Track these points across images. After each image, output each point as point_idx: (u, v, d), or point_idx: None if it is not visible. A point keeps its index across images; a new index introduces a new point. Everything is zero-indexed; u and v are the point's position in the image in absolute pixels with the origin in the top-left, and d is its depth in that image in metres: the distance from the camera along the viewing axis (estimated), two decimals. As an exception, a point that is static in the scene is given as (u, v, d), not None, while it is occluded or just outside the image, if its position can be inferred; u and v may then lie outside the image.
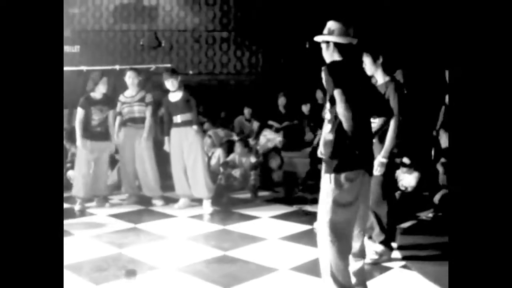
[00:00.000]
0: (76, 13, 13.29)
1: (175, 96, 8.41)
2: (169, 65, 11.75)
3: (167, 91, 8.50)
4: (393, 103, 5.54)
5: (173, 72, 8.59)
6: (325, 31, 4.42)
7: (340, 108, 4.07)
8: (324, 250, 4.27)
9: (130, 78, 8.75)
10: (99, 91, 8.43)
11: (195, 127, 8.27)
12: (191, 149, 8.30)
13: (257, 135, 11.36)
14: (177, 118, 8.36)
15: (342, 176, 4.16)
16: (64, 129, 9.55)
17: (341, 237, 4.22)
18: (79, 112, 8.41)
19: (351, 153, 4.17)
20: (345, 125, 4.08)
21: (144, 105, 8.71)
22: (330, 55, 4.38)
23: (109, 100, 8.61)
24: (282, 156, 10.50)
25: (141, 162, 8.76)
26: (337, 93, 4.09)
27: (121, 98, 8.81)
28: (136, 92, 8.78)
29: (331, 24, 4.39)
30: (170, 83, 8.35)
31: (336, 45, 4.34)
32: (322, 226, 4.27)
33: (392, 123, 5.51)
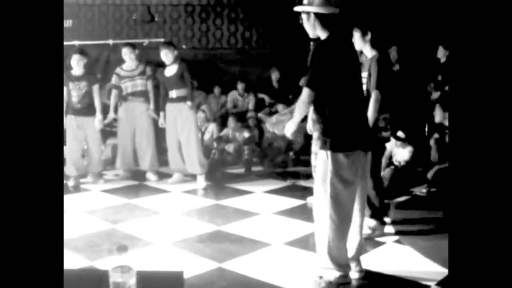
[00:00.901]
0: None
1: (170, 70, 8.29)
2: (162, 40, 11.67)
3: (162, 65, 8.42)
4: (373, 76, 5.58)
5: (169, 44, 8.49)
6: (305, 0, 4.27)
7: (299, 103, 4.22)
8: (322, 227, 4.27)
9: (126, 55, 8.65)
10: (75, 68, 8.32)
11: (189, 103, 8.19)
12: (185, 125, 8.24)
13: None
14: (172, 93, 8.26)
15: (339, 153, 4.17)
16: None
17: (341, 214, 4.22)
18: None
19: (345, 133, 4.18)
20: (295, 112, 4.34)
21: (145, 79, 8.67)
22: (311, 27, 4.26)
23: (90, 76, 8.45)
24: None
25: (142, 135, 8.72)
26: (304, 91, 4.16)
27: (120, 72, 8.70)
28: (136, 66, 8.71)
29: None
30: (164, 55, 8.21)
31: (317, 16, 4.19)
32: (321, 203, 4.26)
33: (373, 96, 5.54)
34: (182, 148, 8.36)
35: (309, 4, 4.23)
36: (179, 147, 8.36)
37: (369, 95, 5.58)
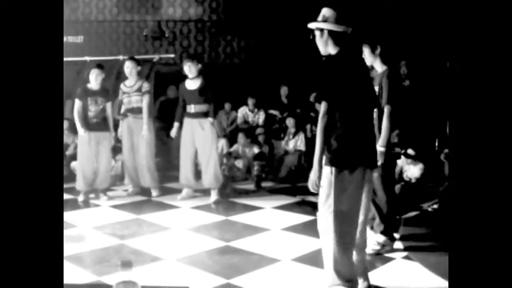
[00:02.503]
0: (80, 3, 13.27)
1: (193, 84, 8.29)
2: (172, 55, 11.74)
3: (183, 79, 8.38)
4: (385, 91, 5.56)
5: (193, 57, 8.50)
6: (320, 18, 4.32)
7: (320, 118, 4.15)
8: (327, 242, 4.25)
9: (128, 68, 8.64)
10: (93, 83, 8.35)
11: (211, 119, 8.20)
12: (205, 140, 8.24)
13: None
14: (191, 108, 8.26)
15: (342, 169, 4.16)
16: (69, 119, 9.52)
17: (345, 229, 4.20)
18: (77, 103, 8.33)
19: (350, 150, 4.18)
20: (317, 133, 4.18)
21: (140, 95, 8.59)
22: (324, 44, 4.30)
23: (106, 92, 8.50)
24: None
25: (140, 152, 8.68)
26: (323, 104, 4.16)
27: (122, 87, 8.75)
28: (134, 82, 8.68)
29: (325, 11, 4.29)
30: (188, 68, 8.23)
31: (331, 33, 4.25)
32: (325, 218, 4.25)
33: (385, 111, 5.52)
34: (201, 162, 8.37)
35: (324, 21, 4.28)
36: (192, 162, 8.34)
37: (380, 110, 5.57)
